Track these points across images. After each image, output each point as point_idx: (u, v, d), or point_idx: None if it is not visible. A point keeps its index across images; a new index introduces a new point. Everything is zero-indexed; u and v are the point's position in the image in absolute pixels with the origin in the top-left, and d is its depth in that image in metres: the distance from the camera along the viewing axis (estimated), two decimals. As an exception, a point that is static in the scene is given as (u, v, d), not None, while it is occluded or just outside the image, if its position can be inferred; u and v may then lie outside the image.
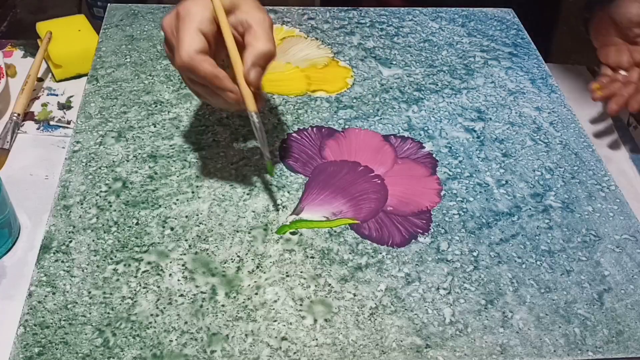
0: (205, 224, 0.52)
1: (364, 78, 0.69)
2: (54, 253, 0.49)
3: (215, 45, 0.48)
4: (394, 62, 0.72)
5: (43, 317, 0.45)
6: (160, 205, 0.53)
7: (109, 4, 0.76)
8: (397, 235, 0.53)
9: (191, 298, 0.47)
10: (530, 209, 0.56)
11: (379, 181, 0.57)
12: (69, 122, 0.68)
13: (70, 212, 0.52)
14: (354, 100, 0.66)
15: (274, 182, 0.56)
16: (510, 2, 0.85)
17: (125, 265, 0.49)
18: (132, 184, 0.55)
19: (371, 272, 0.50)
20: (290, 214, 0.53)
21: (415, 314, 0.47)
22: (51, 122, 0.68)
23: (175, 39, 0.46)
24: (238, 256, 0.50)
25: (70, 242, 0.50)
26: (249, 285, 0.48)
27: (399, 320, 0.47)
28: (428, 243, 0.52)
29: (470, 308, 0.48)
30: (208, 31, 0.46)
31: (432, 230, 0.53)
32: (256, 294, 0.48)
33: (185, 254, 0.50)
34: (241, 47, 0.48)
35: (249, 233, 0.52)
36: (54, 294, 0.46)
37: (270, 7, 0.79)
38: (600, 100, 0.68)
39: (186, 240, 0.51)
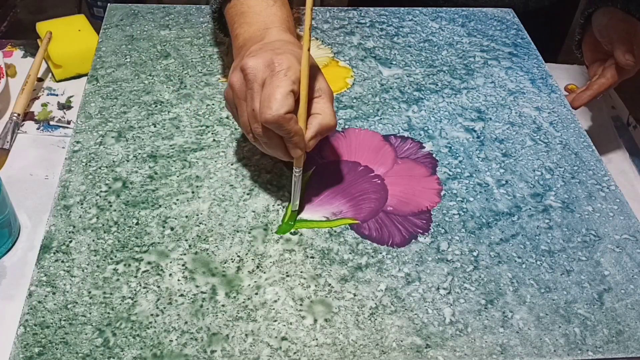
0: (205, 224, 0.52)
1: (364, 78, 0.69)
2: (54, 253, 0.49)
3: None
4: (394, 62, 0.72)
5: (43, 317, 0.45)
6: (160, 205, 0.53)
7: (109, 4, 0.76)
8: (397, 235, 0.53)
9: (191, 298, 0.47)
10: (530, 209, 0.56)
11: (379, 181, 0.57)
12: (69, 122, 0.68)
13: (70, 212, 0.52)
14: (354, 100, 0.66)
15: (274, 182, 0.56)
16: (528, 6, 0.86)
17: (125, 265, 0.49)
18: (132, 184, 0.55)
19: (371, 272, 0.50)
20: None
21: (416, 314, 0.47)
22: (51, 122, 0.68)
23: (266, 93, 0.46)
24: (238, 256, 0.50)
25: (70, 242, 0.50)
26: (249, 285, 0.48)
27: (399, 320, 0.47)
28: (428, 243, 0.52)
29: (470, 308, 0.48)
30: (296, 91, 0.47)
31: (432, 230, 0.53)
32: (256, 294, 0.48)
33: (185, 254, 0.50)
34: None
35: (249, 233, 0.52)
36: (54, 294, 0.46)
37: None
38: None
39: (186, 240, 0.51)
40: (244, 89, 0.49)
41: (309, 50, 0.48)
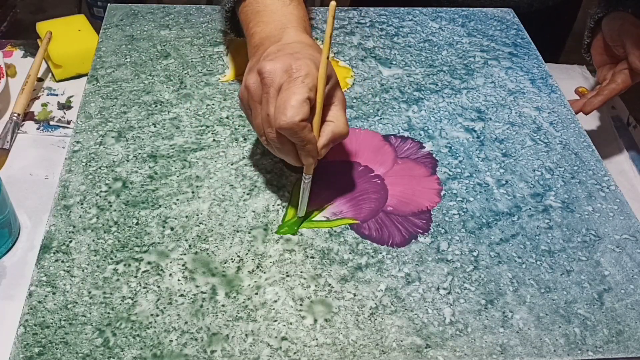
0: (205, 224, 0.52)
1: (364, 78, 0.69)
2: (54, 253, 0.49)
3: None
4: (394, 62, 0.72)
5: (43, 317, 0.45)
6: (160, 205, 0.53)
7: (109, 4, 0.76)
8: (397, 235, 0.53)
9: (191, 298, 0.47)
10: (530, 209, 0.56)
11: (379, 181, 0.57)
12: (69, 122, 0.68)
13: (70, 212, 0.52)
14: (354, 100, 0.66)
15: (274, 182, 0.56)
16: (531, 6, 0.86)
17: (125, 265, 0.49)
18: (132, 184, 0.55)
19: (371, 272, 0.50)
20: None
21: (416, 314, 0.47)
22: (51, 122, 0.68)
23: (282, 98, 0.46)
24: (238, 256, 0.50)
25: (70, 242, 0.50)
26: (249, 285, 0.48)
27: (399, 320, 0.47)
28: (428, 243, 0.52)
29: (470, 308, 0.48)
30: (312, 98, 0.47)
31: (432, 230, 0.53)
32: (256, 294, 0.48)
33: (185, 254, 0.50)
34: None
35: (249, 233, 0.52)
36: (54, 294, 0.46)
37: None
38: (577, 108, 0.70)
39: (186, 240, 0.51)
40: (260, 92, 0.48)
41: (328, 58, 0.47)
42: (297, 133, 0.46)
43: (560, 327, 0.47)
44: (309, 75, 0.47)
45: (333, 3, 0.47)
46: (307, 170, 0.51)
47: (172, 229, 0.52)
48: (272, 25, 0.54)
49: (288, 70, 0.47)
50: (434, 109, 0.66)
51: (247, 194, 0.55)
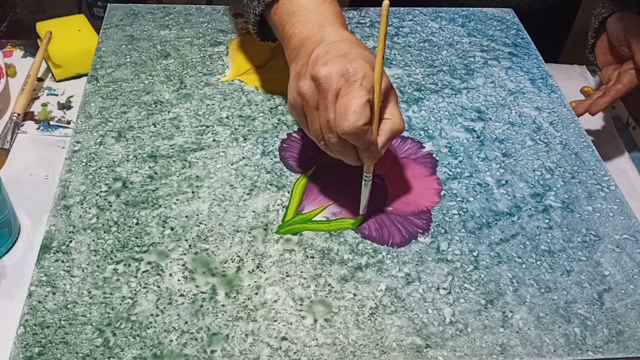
0: (205, 224, 0.52)
1: (364, 78, 0.69)
2: (54, 253, 0.49)
3: None
4: (394, 62, 0.72)
5: (43, 317, 0.45)
6: (160, 205, 0.53)
7: (109, 4, 0.76)
8: (397, 235, 0.53)
9: (191, 298, 0.47)
10: (530, 209, 0.56)
11: (379, 181, 0.57)
12: (69, 122, 0.68)
13: (70, 212, 0.52)
14: (354, 100, 0.66)
15: (274, 182, 0.56)
16: (531, 7, 0.86)
17: (125, 265, 0.49)
18: (132, 184, 0.55)
19: (371, 272, 0.50)
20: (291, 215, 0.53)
21: (416, 314, 0.47)
22: (51, 122, 0.68)
23: (343, 103, 0.45)
24: (238, 256, 0.50)
25: (70, 242, 0.50)
26: (249, 285, 0.48)
27: (399, 320, 0.47)
28: (428, 243, 0.52)
29: (470, 308, 0.48)
30: (372, 100, 0.46)
31: (432, 230, 0.53)
32: (256, 294, 0.48)
33: (185, 254, 0.50)
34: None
35: (249, 233, 0.52)
36: (54, 294, 0.46)
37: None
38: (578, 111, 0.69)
39: (186, 240, 0.51)
40: (316, 98, 0.47)
41: (383, 58, 0.46)
42: (360, 137, 0.45)
43: (560, 327, 0.47)
44: (366, 77, 0.46)
45: (386, 2, 0.47)
46: (367, 170, 0.51)
47: (172, 229, 0.52)
48: (310, 25, 0.52)
49: (345, 74, 0.46)
50: (434, 109, 0.66)
51: (247, 194, 0.55)
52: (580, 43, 0.78)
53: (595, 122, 0.78)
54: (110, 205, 0.53)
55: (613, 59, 0.73)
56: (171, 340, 0.44)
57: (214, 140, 0.60)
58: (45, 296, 0.46)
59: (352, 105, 0.45)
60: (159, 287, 0.47)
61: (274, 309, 0.47)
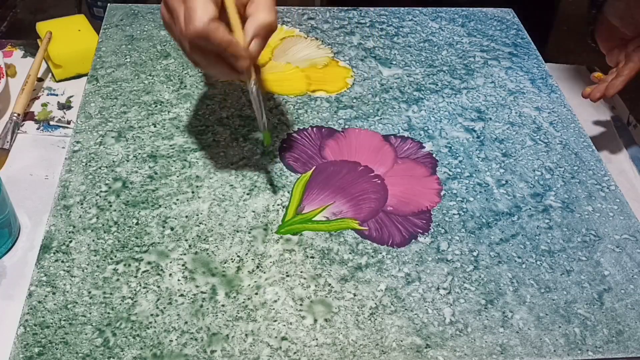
0: (205, 224, 0.52)
1: (364, 78, 0.69)
2: (54, 253, 0.49)
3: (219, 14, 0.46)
4: (394, 62, 0.72)
5: (43, 317, 0.45)
6: (160, 205, 0.53)
7: (109, 4, 0.76)
8: (397, 235, 0.53)
9: (191, 298, 0.47)
10: (530, 209, 0.56)
11: (379, 181, 0.57)
12: (69, 122, 0.68)
13: (70, 212, 0.52)
14: (354, 100, 0.66)
15: (274, 182, 0.56)
16: (510, 2, 0.86)
17: (125, 265, 0.49)
18: (132, 184, 0.55)
19: (371, 272, 0.50)
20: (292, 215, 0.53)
21: (415, 314, 0.47)
22: (51, 122, 0.68)
23: (185, 7, 0.44)
24: (238, 256, 0.50)
25: (70, 242, 0.50)
26: (249, 285, 0.48)
27: (399, 320, 0.47)
28: (428, 243, 0.52)
29: (470, 308, 0.48)
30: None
31: (432, 230, 0.53)
32: (256, 293, 0.48)
33: (185, 254, 0.50)
34: (240, 17, 0.46)
35: (249, 233, 0.52)
36: (54, 294, 0.46)
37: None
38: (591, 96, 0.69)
39: (186, 240, 0.51)
40: (170, 15, 0.46)
41: None
42: (210, 37, 0.43)
43: (560, 327, 0.47)
44: None
45: None
46: (247, 76, 0.47)
47: (172, 229, 0.52)
48: None
49: None
50: (434, 109, 0.66)
51: (247, 194, 0.55)
52: (580, 43, 0.78)
53: (595, 122, 0.78)
54: (110, 205, 0.53)
55: (617, 42, 0.73)
56: (171, 340, 0.44)
57: (214, 140, 0.60)
58: (45, 296, 0.46)
59: (193, 5, 0.43)
60: (159, 287, 0.47)
61: (274, 309, 0.47)
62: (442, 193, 0.57)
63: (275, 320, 0.46)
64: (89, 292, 0.47)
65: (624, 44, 0.72)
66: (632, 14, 0.68)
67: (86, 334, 0.44)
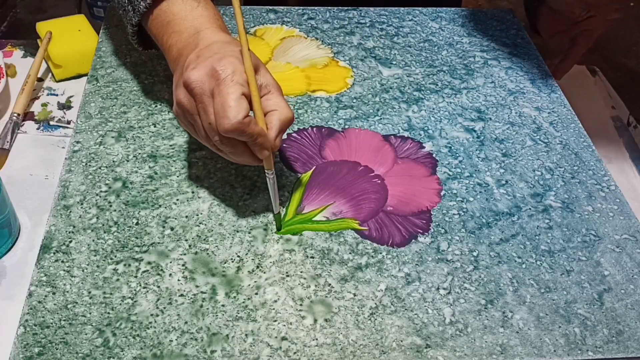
0: (205, 224, 0.52)
1: (364, 78, 0.69)
2: (54, 253, 0.49)
3: None
4: (394, 62, 0.72)
5: (43, 317, 0.45)
6: (160, 205, 0.53)
7: (109, 4, 0.76)
8: (397, 235, 0.53)
9: (191, 298, 0.47)
10: (530, 209, 0.56)
11: (379, 181, 0.57)
12: (69, 122, 0.68)
13: (70, 212, 0.52)
14: (354, 100, 0.66)
15: (274, 182, 0.56)
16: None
17: (125, 265, 0.49)
18: (132, 184, 0.55)
19: (371, 272, 0.50)
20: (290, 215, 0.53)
21: (415, 314, 0.47)
22: (51, 122, 0.68)
23: (218, 102, 0.45)
24: (238, 256, 0.50)
25: (70, 242, 0.50)
26: (249, 285, 0.48)
27: (399, 320, 0.47)
28: (428, 243, 0.52)
29: (470, 308, 0.48)
30: (247, 93, 0.46)
31: (432, 230, 0.53)
32: (256, 294, 0.48)
33: (185, 254, 0.50)
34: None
35: (249, 233, 0.52)
36: (54, 294, 0.46)
37: (270, 7, 0.79)
38: None
39: (186, 240, 0.51)
40: (193, 104, 0.47)
41: (248, 49, 0.46)
42: (244, 131, 0.45)
43: (560, 327, 0.47)
44: (236, 72, 0.46)
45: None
46: (267, 166, 0.50)
47: (172, 229, 0.52)
48: (186, 33, 0.52)
49: (213, 74, 0.46)
50: (434, 109, 0.66)
51: (247, 194, 0.55)
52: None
53: (595, 122, 0.78)
54: (110, 205, 0.53)
55: (558, 27, 0.75)
56: (171, 340, 0.44)
57: (214, 140, 0.60)
58: (45, 296, 0.46)
59: (228, 101, 0.44)
60: (159, 287, 0.47)
61: (274, 309, 0.47)
62: (442, 193, 0.57)
63: (275, 320, 0.46)
64: (89, 292, 0.47)
65: (566, 29, 0.73)
66: None
67: (86, 334, 0.44)
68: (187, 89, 0.46)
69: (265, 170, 0.50)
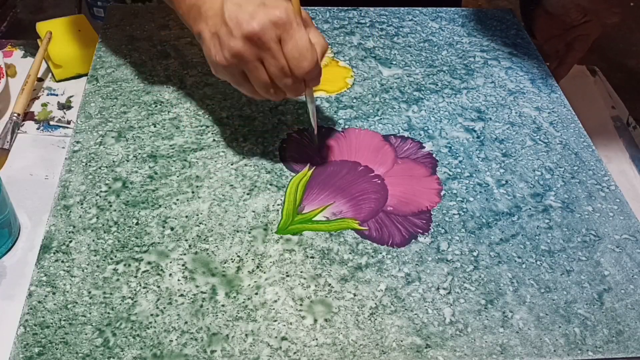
0: (205, 224, 0.52)
1: (364, 78, 0.69)
2: (54, 253, 0.49)
3: None
4: (394, 62, 0.72)
5: (43, 317, 0.45)
6: (160, 205, 0.53)
7: (109, 4, 0.76)
8: (397, 235, 0.53)
9: (191, 298, 0.47)
10: (530, 209, 0.56)
11: (379, 181, 0.57)
12: (69, 122, 0.68)
13: (70, 212, 0.52)
14: (354, 100, 0.66)
15: (274, 182, 0.56)
16: None
17: (125, 265, 0.49)
18: (132, 184, 0.55)
19: (371, 272, 0.50)
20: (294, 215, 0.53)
21: (415, 314, 0.47)
22: (51, 122, 0.68)
23: (291, 45, 0.47)
24: (238, 256, 0.50)
25: (70, 242, 0.50)
26: (249, 285, 0.48)
27: (399, 320, 0.47)
28: (428, 243, 0.52)
29: (470, 308, 0.48)
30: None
31: (432, 230, 0.53)
32: (256, 294, 0.48)
33: (185, 254, 0.50)
34: None
35: (249, 233, 0.52)
36: (54, 294, 0.46)
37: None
38: None
39: (186, 240, 0.51)
40: (257, 53, 0.48)
41: None
42: (320, 69, 0.50)
43: (560, 327, 0.47)
44: (295, 14, 0.48)
45: None
46: (311, 92, 0.54)
47: (172, 229, 0.52)
48: None
49: (277, 22, 0.47)
50: (434, 109, 0.66)
51: (247, 194, 0.55)
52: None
53: (595, 122, 0.78)
54: (110, 205, 0.53)
55: (554, 31, 0.75)
56: (171, 340, 0.44)
57: (214, 140, 0.60)
58: (45, 296, 0.46)
59: (302, 46, 0.48)
60: (159, 287, 0.47)
61: (274, 309, 0.47)
62: (442, 193, 0.57)
63: (275, 320, 0.46)
64: (89, 292, 0.47)
65: (561, 33, 0.74)
66: (579, 1, 0.70)
67: (86, 334, 0.44)
68: (251, 39, 0.47)
69: (307, 96, 0.55)
